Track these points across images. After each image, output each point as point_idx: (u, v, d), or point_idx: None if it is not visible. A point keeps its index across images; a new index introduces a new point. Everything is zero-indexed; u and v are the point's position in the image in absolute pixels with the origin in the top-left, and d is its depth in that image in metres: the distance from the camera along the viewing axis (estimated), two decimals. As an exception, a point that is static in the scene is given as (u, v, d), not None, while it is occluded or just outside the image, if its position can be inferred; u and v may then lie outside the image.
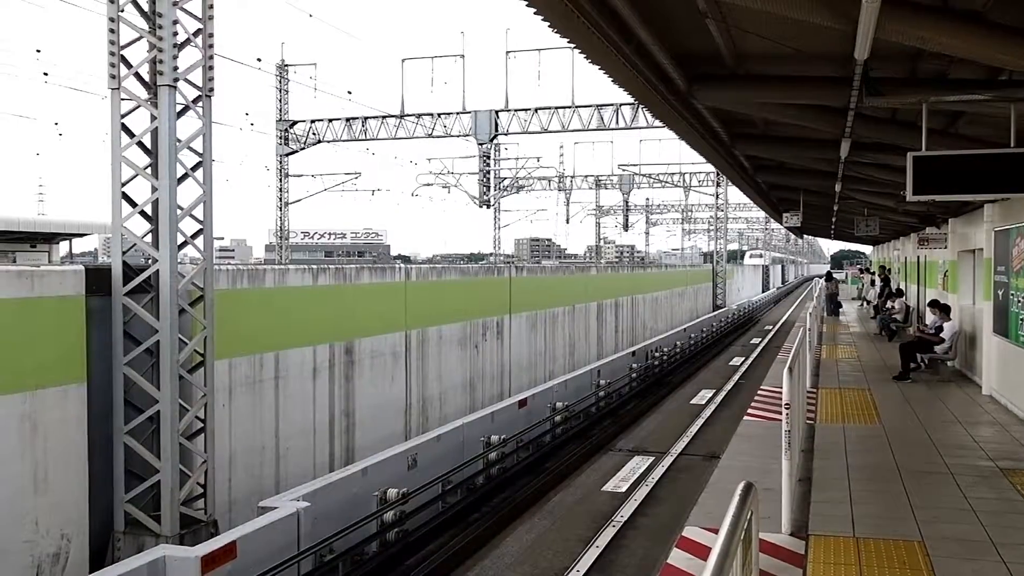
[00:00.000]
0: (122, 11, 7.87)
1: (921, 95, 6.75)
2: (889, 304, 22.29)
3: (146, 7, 7.94)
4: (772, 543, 5.55)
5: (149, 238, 8.12)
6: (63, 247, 34.14)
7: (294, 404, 10.43)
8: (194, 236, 8.32)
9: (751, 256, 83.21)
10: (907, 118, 8.40)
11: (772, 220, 52.39)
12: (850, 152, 9.13)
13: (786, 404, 5.88)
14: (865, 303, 34.79)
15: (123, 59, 7.95)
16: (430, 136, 29.49)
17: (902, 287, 25.39)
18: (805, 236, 77.78)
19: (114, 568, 6.29)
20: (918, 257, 21.74)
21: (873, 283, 32.06)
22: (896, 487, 7.09)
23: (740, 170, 14.46)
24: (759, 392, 12.22)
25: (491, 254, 47.43)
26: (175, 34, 7.88)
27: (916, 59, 6.31)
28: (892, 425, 9.69)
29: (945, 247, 16.07)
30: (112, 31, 7.87)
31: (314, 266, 11.38)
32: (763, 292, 66.31)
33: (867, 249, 67.91)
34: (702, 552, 5.40)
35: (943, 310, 13.84)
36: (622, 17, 5.59)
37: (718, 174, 37.87)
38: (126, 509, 7.85)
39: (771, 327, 36.62)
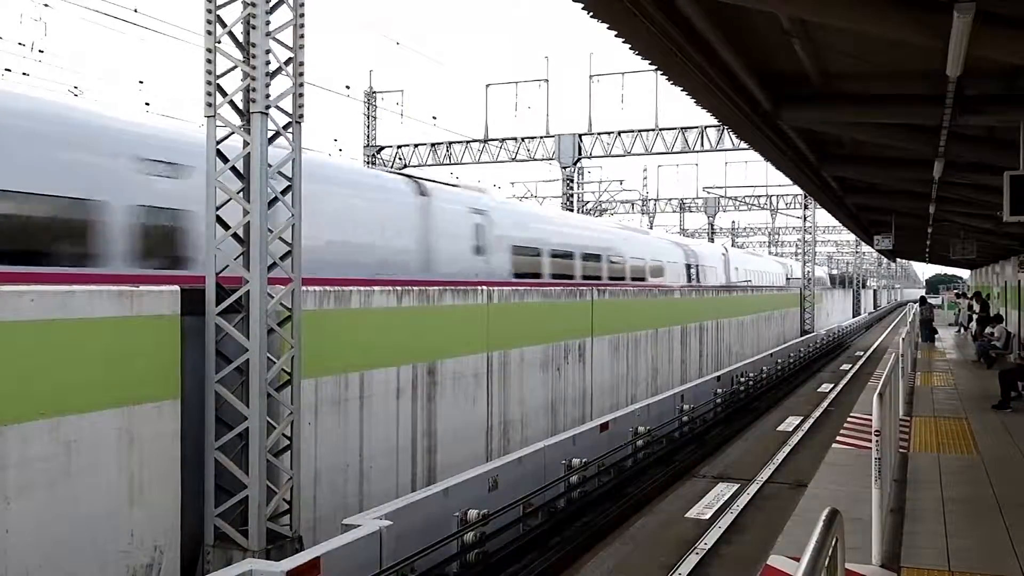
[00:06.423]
0: (219, 42, 8.19)
1: (1020, 112, 6.53)
2: (988, 330, 21.46)
3: (241, 38, 8.25)
4: (861, 574, 5.38)
5: (241, 260, 8.38)
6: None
7: (378, 424, 10.57)
8: (283, 258, 8.55)
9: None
10: (1005, 136, 8.13)
11: (863, 243, 51.03)
12: (944, 172, 8.88)
13: (876, 431, 5.71)
14: (962, 329, 33.60)
15: (219, 88, 8.25)
16: (514, 160, 29.74)
17: (1001, 312, 24.41)
18: (898, 260, 75.42)
19: (204, 580, 6.50)
20: (1019, 281, 20.87)
21: (971, 307, 30.94)
22: (995, 520, 6.79)
23: (828, 191, 14.17)
24: (849, 419, 11.87)
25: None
26: (268, 63, 8.14)
27: (1014, 76, 6.11)
28: (991, 456, 9.29)
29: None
30: (209, 61, 8.19)
31: (398, 287, 11.55)
32: (853, 317, 64.44)
33: (964, 273, 65.55)
34: (787, 582, 5.27)
35: (1046, 336, 13.26)
36: (705, 38, 5.57)
37: (806, 196, 37.09)
38: (216, 523, 8.06)
39: (862, 353, 35.57)
